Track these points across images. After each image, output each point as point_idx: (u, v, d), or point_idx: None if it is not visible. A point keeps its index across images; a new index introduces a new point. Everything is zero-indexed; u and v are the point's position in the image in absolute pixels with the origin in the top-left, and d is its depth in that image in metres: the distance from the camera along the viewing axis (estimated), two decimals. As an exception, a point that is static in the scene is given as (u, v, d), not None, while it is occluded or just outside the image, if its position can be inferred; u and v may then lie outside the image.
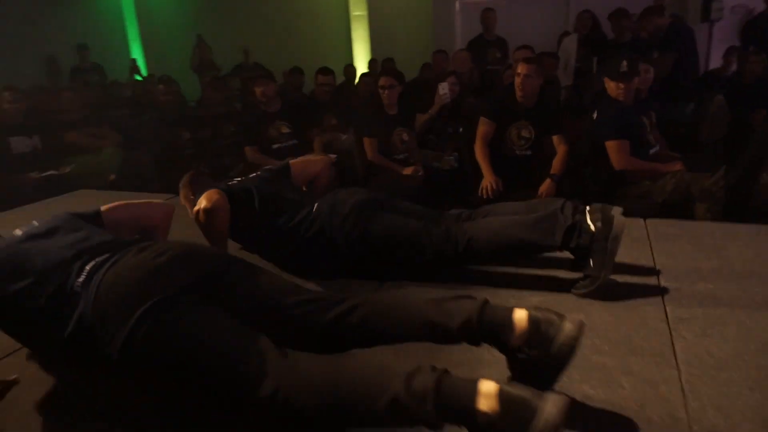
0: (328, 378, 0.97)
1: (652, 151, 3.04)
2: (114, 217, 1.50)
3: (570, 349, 1.04)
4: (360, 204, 1.81)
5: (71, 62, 7.29)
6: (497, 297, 1.56)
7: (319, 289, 1.35)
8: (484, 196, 3.07)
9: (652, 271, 1.72)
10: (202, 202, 1.72)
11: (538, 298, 1.59)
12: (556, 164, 3.12)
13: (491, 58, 5.20)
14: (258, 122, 3.76)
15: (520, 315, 1.08)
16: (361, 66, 7.40)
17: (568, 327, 1.05)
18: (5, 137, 3.89)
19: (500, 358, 1.12)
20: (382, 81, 3.47)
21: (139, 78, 7.22)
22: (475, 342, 1.12)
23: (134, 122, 4.89)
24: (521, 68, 3.12)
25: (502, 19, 7.13)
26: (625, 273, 1.71)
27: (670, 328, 1.39)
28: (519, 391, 0.88)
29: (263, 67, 7.52)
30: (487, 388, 0.89)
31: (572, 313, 1.40)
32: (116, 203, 1.56)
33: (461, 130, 3.69)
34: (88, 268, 1.15)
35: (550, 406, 0.85)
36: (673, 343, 1.32)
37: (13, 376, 1.33)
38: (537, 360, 1.06)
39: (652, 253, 1.86)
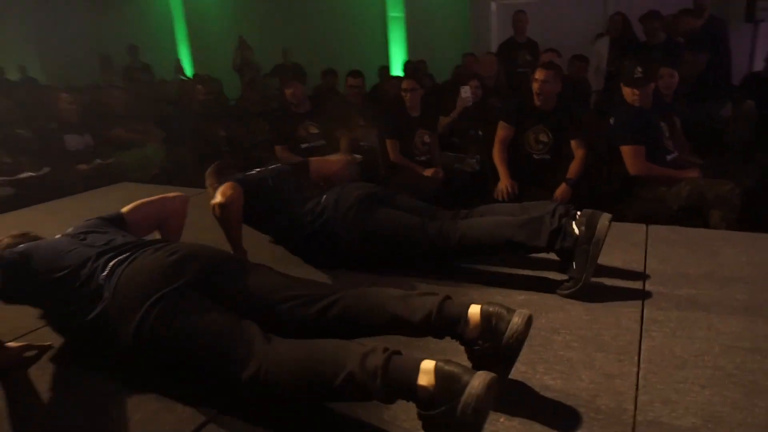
0: (299, 358, 1.11)
1: (669, 157, 3.04)
2: (134, 218, 1.72)
3: (517, 342, 1.14)
4: (362, 198, 1.94)
5: (124, 62, 7.73)
6: (486, 294, 1.68)
7: (312, 280, 1.49)
8: (500, 199, 3.15)
9: (641, 275, 1.78)
10: (218, 197, 1.89)
11: (523, 296, 1.68)
12: (573, 169, 3.16)
13: (522, 61, 5.22)
14: (287, 122, 3.94)
15: (474, 310, 1.19)
16: (398, 68, 7.52)
17: (515, 321, 1.15)
18: (61, 135, 4.24)
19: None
20: (404, 84, 3.59)
21: (183, 77, 7.57)
22: (438, 335, 1.23)
23: (177, 120, 5.18)
24: (539, 74, 3.18)
25: (538, 20, 7.13)
26: (614, 276, 1.78)
27: (642, 329, 1.46)
28: (453, 368, 0.99)
29: (301, 68, 7.76)
30: (427, 365, 1.00)
31: (553, 312, 1.52)
32: (135, 204, 1.78)
33: (480, 133, 3.77)
34: (111, 264, 1.34)
35: (478, 381, 0.96)
36: (640, 342, 1.39)
37: (47, 343, 1.54)
38: (490, 351, 1.16)
39: (646, 258, 1.91)
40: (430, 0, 7.89)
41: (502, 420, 1.13)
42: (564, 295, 1.66)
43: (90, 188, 3.56)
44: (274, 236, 2.18)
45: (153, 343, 1.24)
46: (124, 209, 1.76)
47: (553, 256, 1.73)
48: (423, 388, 0.99)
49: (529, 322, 1.17)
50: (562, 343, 1.41)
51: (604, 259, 1.81)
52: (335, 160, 2.52)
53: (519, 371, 1.29)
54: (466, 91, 3.90)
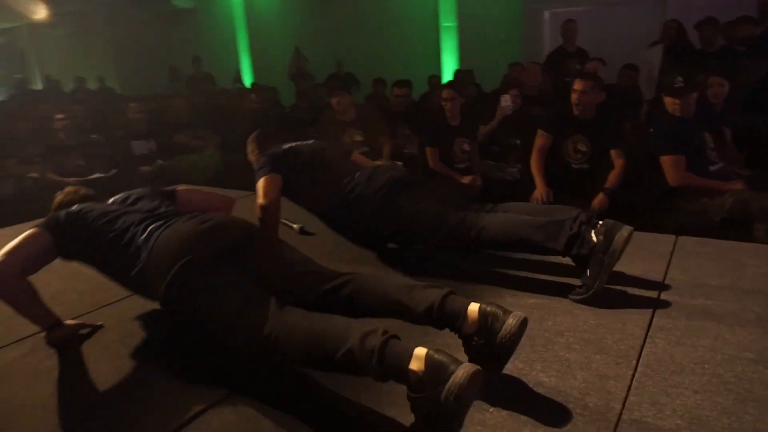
0: (308, 328, 1.23)
1: (712, 168, 2.97)
2: (184, 197, 1.87)
3: (510, 342, 1.21)
4: (393, 180, 2.04)
5: (190, 72, 8.23)
6: (497, 295, 1.75)
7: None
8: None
9: (658, 285, 1.79)
10: (259, 196, 2.07)
11: (534, 300, 1.73)
12: (612, 178, 3.15)
13: (571, 70, 5.18)
14: (333, 130, 4.11)
15: (473, 308, 1.26)
16: (449, 77, 7.58)
17: (510, 322, 1.21)
18: (128, 141, 4.62)
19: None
20: (444, 93, 3.67)
21: (240, 86, 7.97)
22: (438, 326, 1.32)
23: (232, 127, 5.49)
24: (577, 84, 3.19)
25: (592, 28, 7.01)
26: (630, 284, 1.80)
27: (647, 335, 1.48)
28: (442, 357, 1.07)
29: (354, 77, 7.99)
30: (419, 352, 1.09)
31: (561, 315, 1.57)
32: (190, 187, 1.96)
33: (518, 142, 3.79)
34: (149, 229, 1.50)
35: (463, 372, 1.03)
36: (642, 348, 1.42)
37: (99, 323, 1.74)
38: (485, 348, 1.24)
39: (668, 268, 1.91)
40: (483, 9, 7.91)
41: (491, 410, 1.20)
42: (575, 301, 1.70)
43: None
44: (307, 207, 2.28)
45: (179, 302, 1.38)
46: (180, 187, 1.93)
47: (568, 261, 1.77)
48: (413, 372, 1.08)
49: (523, 324, 1.24)
50: (564, 345, 1.46)
51: (623, 267, 1.85)
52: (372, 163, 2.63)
53: (516, 368, 1.35)
54: (506, 100, 3.94)
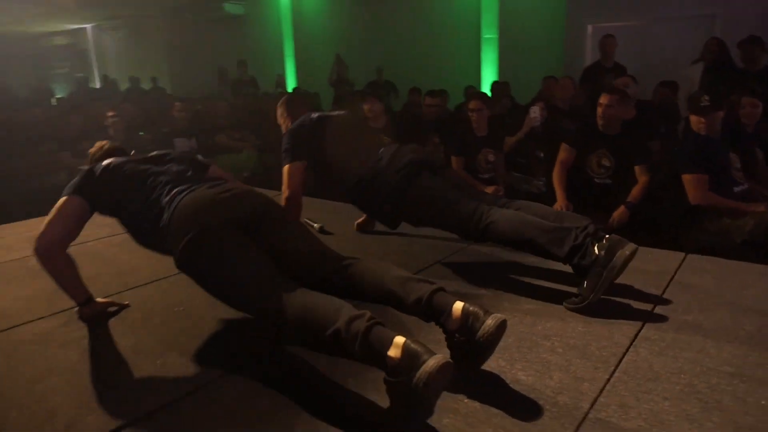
0: (302, 305, 1.34)
1: (737, 189, 2.94)
2: (216, 173, 1.96)
3: (487, 342, 1.29)
4: (415, 160, 2.10)
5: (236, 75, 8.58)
6: (496, 299, 1.83)
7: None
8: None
9: (655, 299, 1.82)
10: (283, 186, 2.21)
11: (530, 305, 1.80)
12: (635, 192, 3.15)
13: (607, 86, 5.14)
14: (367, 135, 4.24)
15: (457, 306, 1.35)
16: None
17: (488, 323, 1.29)
18: (172, 138, 4.89)
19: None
20: (471, 104, 3.75)
21: (281, 91, 8.24)
22: (425, 319, 1.41)
23: (271, 130, 5.71)
24: (603, 98, 3.21)
25: (639, 43, 6.93)
26: (627, 296, 1.84)
27: (631, 344, 1.53)
28: (417, 347, 1.16)
29: (393, 85, 8.14)
30: (398, 340, 1.18)
31: (552, 321, 1.64)
32: (221, 171, 2.02)
33: (542, 155, 3.83)
34: (173, 192, 1.62)
35: (433, 362, 1.12)
36: (624, 356, 1.47)
37: (126, 302, 1.91)
38: (465, 345, 1.33)
39: (668, 284, 1.94)
40: (525, 22, 7.92)
41: (465, 401, 1.29)
42: (569, 309, 1.75)
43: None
44: (331, 178, 2.33)
45: (191, 264, 1.50)
46: (213, 166, 1.99)
47: (570, 269, 1.82)
48: (391, 358, 1.17)
49: (501, 326, 1.31)
50: (549, 348, 1.52)
51: (624, 280, 1.89)
52: None
53: (498, 365, 1.43)
54: (534, 111, 3.98)
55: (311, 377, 1.44)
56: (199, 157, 2.02)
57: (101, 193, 1.74)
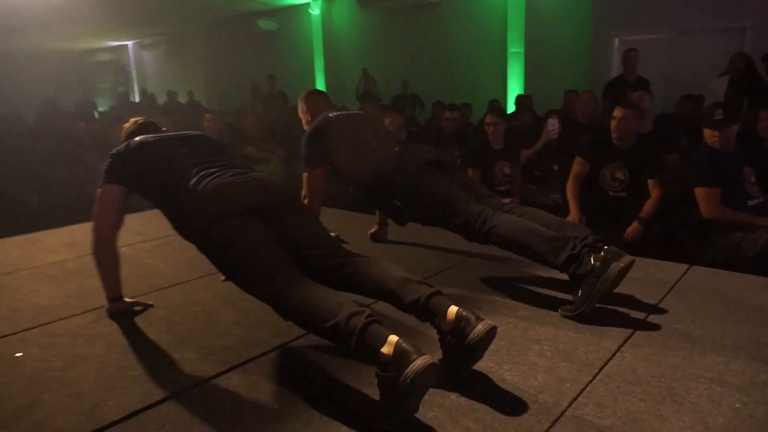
0: (308, 296, 1.45)
1: (751, 203, 2.94)
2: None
3: (476, 346, 1.38)
4: (427, 160, 2.19)
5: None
6: (494, 305, 1.92)
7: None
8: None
9: (650, 308, 1.87)
10: (303, 190, 2.35)
11: (527, 311, 1.88)
12: (647, 207, 3.17)
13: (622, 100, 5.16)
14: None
15: (452, 310, 1.44)
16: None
17: (479, 329, 1.38)
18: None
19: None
20: (487, 119, 3.85)
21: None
22: (421, 319, 1.51)
23: (297, 141, 5.91)
24: (617, 111, 3.26)
25: (667, 56, 6.89)
26: (623, 305, 1.90)
27: (618, 350, 1.59)
28: (408, 346, 1.25)
29: (419, 98, 8.27)
30: (392, 339, 1.27)
31: (545, 327, 1.72)
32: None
33: (556, 167, 3.88)
34: (200, 174, 1.73)
35: (421, 361, 1.21)
36: (609, 360, 1.53)
37: (150, 303, 2.07)
38: (456, 347, 1.42)
39: (666, 295, 1.98)
40: (551, 36, 7.96)
41: (452, 397, 1.38)
42: (563, 316, 1.82)
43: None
44: (345, 174, 2.36)
45: (208, 246, 1.63)
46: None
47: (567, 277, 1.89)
48: (383, 354, 1.27)
49: (490, 332, 1.40)
50: (538, 351, 1.60)
51: (624, 290, 1.95)
52: None
53: (487, 366, 1.52)
54: (553, 124, 4.04)
55: (313, 372, 1.56)
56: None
57: (130, 173, 1.89)
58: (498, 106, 6.94)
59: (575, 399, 1.35)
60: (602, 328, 1.74)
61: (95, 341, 1.81)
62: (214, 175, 1.72)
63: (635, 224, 3.13)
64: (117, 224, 1.91)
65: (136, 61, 15.30)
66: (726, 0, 6.10)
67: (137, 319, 1.97)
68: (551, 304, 1.90)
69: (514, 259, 2.20)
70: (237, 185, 1.69)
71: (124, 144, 1.95)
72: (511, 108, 7.38)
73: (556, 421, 1.27)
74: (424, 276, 2.16)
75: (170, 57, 14.01)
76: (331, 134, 2.32)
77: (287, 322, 1.52)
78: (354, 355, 1.34)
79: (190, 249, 1.74)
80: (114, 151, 1.94)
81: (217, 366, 1.60)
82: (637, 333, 1.69)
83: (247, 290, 1.61)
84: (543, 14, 7.98)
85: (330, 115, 2.39)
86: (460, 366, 1.45)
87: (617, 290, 1.96)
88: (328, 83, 10.62)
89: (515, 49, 8.34)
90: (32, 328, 1.93)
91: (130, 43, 15.09)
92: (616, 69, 7.29)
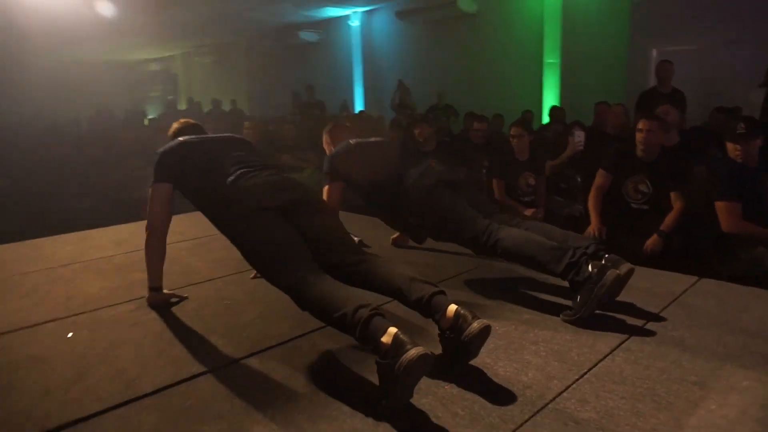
0: (321, 289, 1.62)
1: (774, 218, 2.93)
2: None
3: (470, 342, 1.51)
4: (440, 180, 2.35)
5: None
6: (499, 309, 2.04)
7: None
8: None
9: (650, 316, 1.95)
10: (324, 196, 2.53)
11: (529, 315, 1.99)
12: (668, 221, 3.20)
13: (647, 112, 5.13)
14: (413, 158, 4.52)
15: (451, 308, 1.58)
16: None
17: (474, 326, 1.51)
18: (242, 155, 5.40)
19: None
20: (512, 131, 3.95)
21: (346, 114, 8.71)
22: (424, 315, 1.65)
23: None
24: (642, 124, 3.31)
25: (707, 66, 6.79)
26: (624, 312, 1.98)
27: (610, 353, 1.68)
28: (405, 338, 1.39)
29: (453, 109, 8.39)
30: (391, 330, 1.42)
31: (545, 330, 1.84)
32: None
33: (579, 179, 3.93)
34: (238, 173, 1.90)
35: (414, 351, 1.35)
36: (600, 361, 1.63)
37: (185, 296, 2.28)
38: (453, 342, 1.55)
39: (669, 304, 2.05)
40: (588, 46, 7.94)
41: (445, 387, 1.51)
42: (563, 320, 1.92)
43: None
44: (363, 195, 2.58)
45: (244, 237, 1.83)
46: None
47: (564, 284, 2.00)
48: (383, 343, 1.42)
49: (484, 330, 1.53)
50: (533, 351, 1.71)
51: (628, 299, 2.05)
52: None
53: (483, 361, 1.64)
54: (579, 136, 4.09)
55: (322, 360, 1.72)
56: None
57: (175, 171, 2.10)
58: (527, 117, 6.99)
59: (560, 394, 1.46)
60: (599, 332, 1.83)
61: (135, 326, 2.03)
62: (251, 174, 1.93)
63: (655, 237, 3.16)
64: (167, 219, 2.13)
65: (184, 71, 16.00)
66: (766, 10, 5.98)
67: (173, 309, 2.19)
68: (553, 310, 2.00)
69: (522, 268, 2.31)
70: (269, 185, 1.89)
71: (170, 143, 2.18)
72: (545, 119, 7.40)
73: (538, 412, 1.39)
74: (438, 280, 2.32)
75: (216, 66, 14.60)
76: (351, 158, 2.55)
77: (304, 317, 1.70)
78: (358, 342, 1.49)
79: (222, 249, 1.94)
80: (161, 149, 2.17)
81: (239, 351, 1.78)
82: (632, 338, 1.78)
83: (270, 280, 1.79)
84: (579, 25, 7.98)
85: (351, 141, 2.62)
86: (458, 361, 1.58)
87: (621, 298, 2.05)
88: (366, 93, 10.87)
89: (551, 60, 8.36)
90: (82, 313, 2.17)
91: (178, 53, 15.81)
92: (653, 80, 7.21)
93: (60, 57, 13.11)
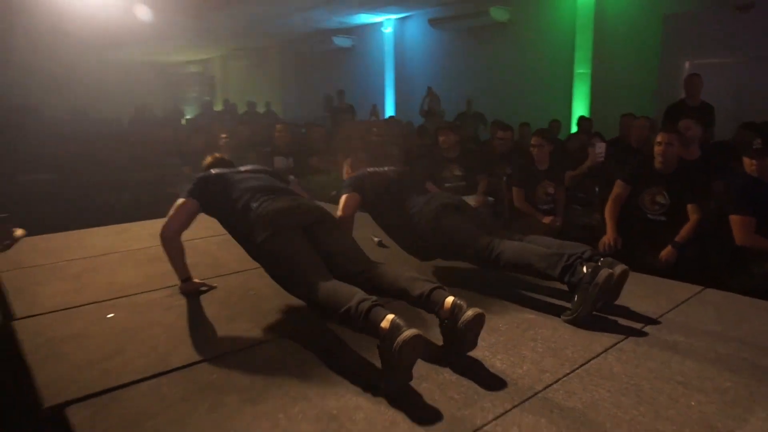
0: (330, 290, 1.79)
1: (788, 233, 2.96)
2: (295, 189, 2.50)
3: (466, 329, 1.65)
4: (444, 205, 2.52)
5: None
6: (503, 308, 2.17)
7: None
8: (601, 251, 3.37)
9: (648, 320, 2.04)
10: (339, 208, 2.69)
11: (531, 315, 2.10)
12: (683, 232, 3.25)
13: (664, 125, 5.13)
14: (436, 163, 4.66)
15: (449, 300, 1.73)
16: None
17: (468, 314, 1.66)
18: (273, 156, 5.63)
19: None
20: (532, 141, 4.05)
21: (374, 119, 8.90)
22: (426, 310, 1.80)
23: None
24: (659, 137, 3.38)
25: (739, 80, 6.73)
26: (624, 316, 2.08)
27: (604, 352, 1.79)
28: (400, 322, 1.54)
29: (482, 116, 8.47)
30: (389, 317, 1.57)
31: (545, 329, 1.96)
32: (301, 190, 2.61)
33: (597, 189, 3.99)
34: (261, 199, 2.13)
35: (407, 333, 1.49)
36: (592, 359, 1.74)
37: (214, 285, 2.47)
38: (451, 330, 1.70)
39: (670, 311, 2.13)
40: (619, 57, 7.94)
41: (444, 374, 1.65)
42: (564, 320, 2.03)
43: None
44: (377, 220, 2.80)
45: (263, 257, 2.06)
46: (294, 183, 2.56)
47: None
48: (382, 329, 1.57)
49: (478, 317, 1.67)
50: (530, 347, 1.83)
51: (630, 304, 2.14)
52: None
53: (482, 354, 1.77)
54: (600, 147, 4.16)
55: (332, 346, 1.88)
56: (291, 177, 2.57)
57: (207, 196, 2.34)
58: (553, 127, 7.02)
59: (549, 386, 1.58)
60: (596, 333, 1.93)
61: (168, 310, 2.23)
62: (272, 199, 2.15)
63: (669, 248, 3.22)
64: (182, 229, 2.34)
65: (221, 73, 16.50)
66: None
67: (202, 297, 2.38)
68: (555, 311, 2.11)
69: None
70: (287, 209, 2.11)
71: (206, 173, 2.44)
72: (574, 129, 7.43)
73: (527, 399, 1.51)
74: (447, 282, 2.44)
75: (252, 70, 15.02)
76: (364, 181, 2.73)
77: None
78: (363, 331, 1.64)
79: (247, 242, 2.11)
80: (200, 175, 2.43)
81: (260, 336, 1.96)
82: (628, 340, 1.88)
83: (287, 289, 2.00)
84: (611, 35, 7.98)
85: (368, 170, 2.82)
86: (457, 349, 1.72)
87: (623, 303, 2.15)
88: (396, 99, 11.03)
89: (582, 70, 8.37)
90: (121, 297, 2.39)
91: (217, 56, 16.32)
92: (683, 93, 7.18)
93: (104, 58, 13.72)
